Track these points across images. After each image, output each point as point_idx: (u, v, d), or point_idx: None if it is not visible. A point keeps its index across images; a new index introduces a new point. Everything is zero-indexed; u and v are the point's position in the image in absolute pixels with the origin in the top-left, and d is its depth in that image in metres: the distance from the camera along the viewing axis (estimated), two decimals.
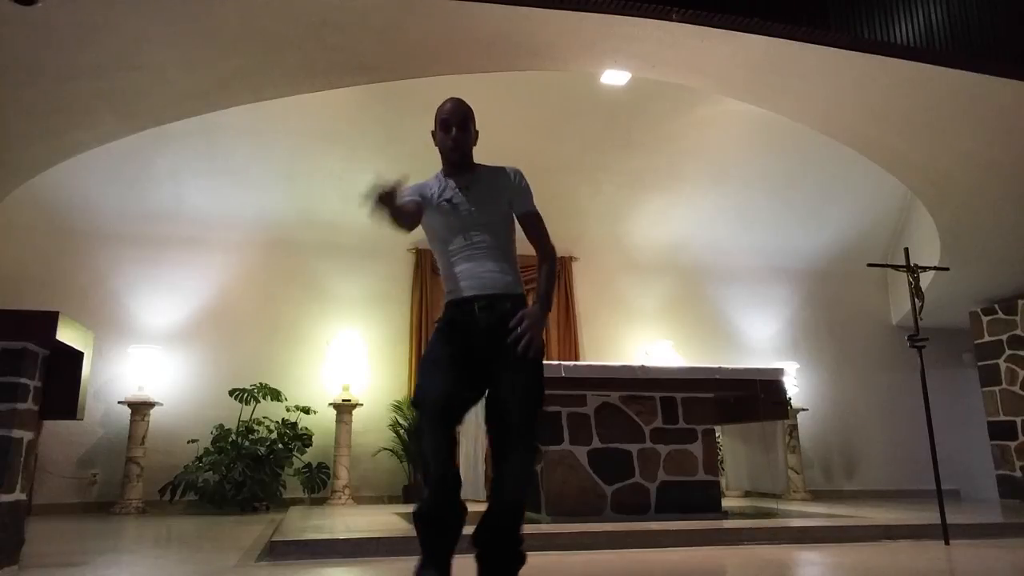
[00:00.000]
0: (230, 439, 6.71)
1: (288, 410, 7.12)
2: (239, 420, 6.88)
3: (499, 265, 2.42)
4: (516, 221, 2.53)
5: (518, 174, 2.53)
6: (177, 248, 7.48)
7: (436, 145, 2.50)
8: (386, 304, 7.96)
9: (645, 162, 8.01)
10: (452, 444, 2.23)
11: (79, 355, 3.28)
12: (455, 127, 2.44)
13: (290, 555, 3.64)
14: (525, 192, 2.52)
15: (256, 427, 6.85)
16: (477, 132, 2.52)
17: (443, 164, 2.52)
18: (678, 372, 5.38)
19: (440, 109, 2.47)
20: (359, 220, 7.85)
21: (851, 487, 8.65)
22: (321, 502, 7.00)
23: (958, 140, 6.25)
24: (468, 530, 2.30)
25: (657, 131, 7.71)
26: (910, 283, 4.77)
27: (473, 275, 2.38)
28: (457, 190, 2.44)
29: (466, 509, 2.25)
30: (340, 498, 6.92)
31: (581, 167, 7.91)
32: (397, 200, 2.12)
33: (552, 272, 2.50)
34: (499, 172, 2.52)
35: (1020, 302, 8.12)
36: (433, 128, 2.50)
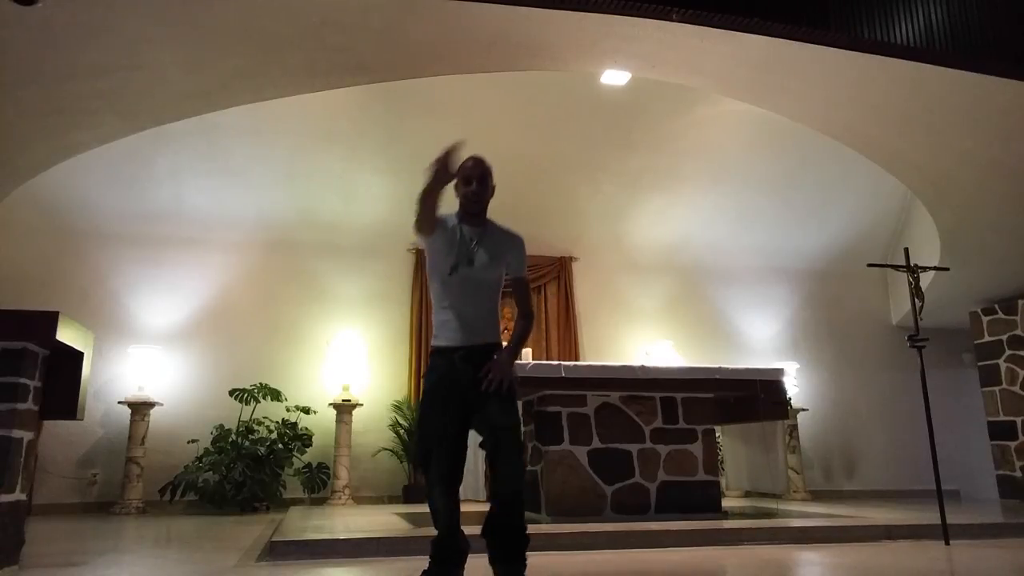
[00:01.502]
0: (230, 439, 6.71)
1: (288, 410, 7.11)
2: (239, 420, 6.88)
3: (486, 320, 2.74)
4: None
5: (522, 243, 2.83)
6: (177, 248, 7.48)
7: (456, 196, 2.75)
8: (386, 304, 7.95)
9: (645, 162, 8.01)
10: (457, 499, 2.66)
11: (79, 355, 3.28)
12: (475, 181, 2.71)
13: (290, 555, 3.64)
14: (524, 260, 2.84)
15: (256, 427, 6.85)
16: (494, 187, 2.78)
17: (460, 210, 2.77)
18: (678, 372, 5.38)
19: (463, 166, 2.70)
20: (359, 220, 7.88)
21: (851, 487, 8.65)
22: (321, 502, 7.00)
23: (958, 140, 6.25)
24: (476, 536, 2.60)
25: (657, 131, 7.70)
26: (910, 283, 4.77)
27: (463, 327, 2.68)
28: (471, 243, 2.71)
29: (468, 544, 2.68)
30: (340, 498, 6.92)
31: (581, 167, 7.90)
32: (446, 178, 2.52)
33: (527, 330, 2.82)
34: (508, 237, 2.81)
35: (1020, 302, 8.12)
36: (456, 182, 2.71)
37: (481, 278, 2.71)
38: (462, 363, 2.64)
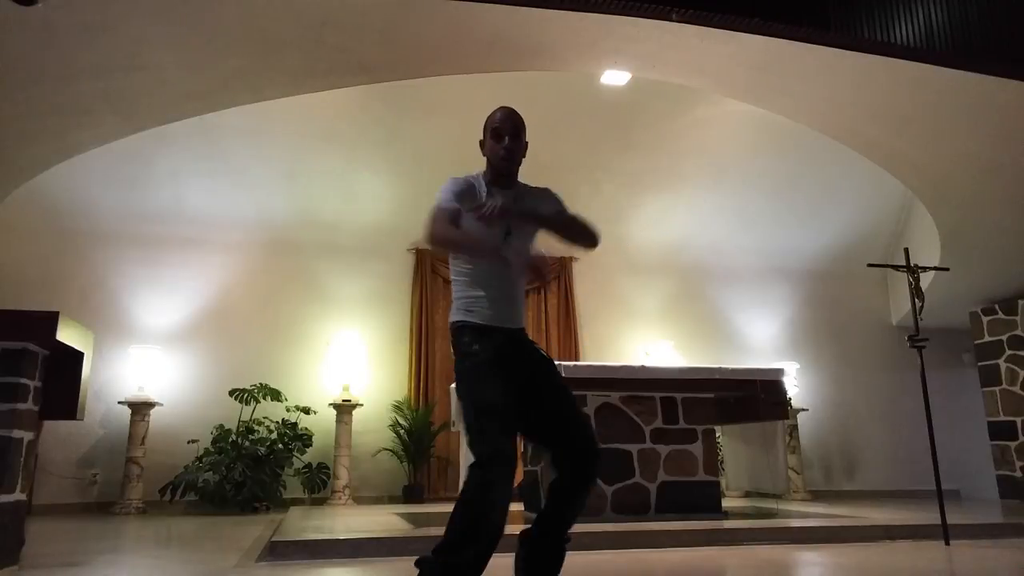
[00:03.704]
0: (230, 439, 6.71)
1: (288, 410, 7.11)
2: (239, 420, 6.88)
3: (520, 301, 2.42)
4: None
5: (554, 193, 2.53)
6: (177, 248, 7.48)
7: (484, 154, 2.42)
8: (386, 304, 7.95)
9: (645, 162, 8.01)
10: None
11: (79, 355, 3.28)
12: (508, 136, 2.37)
13: (290, 555, 3.64)
14: (562, 204, 2.54)
15: (256, 427, 6.85)
16: (527, 143, 2.45)
17: (489, 171, 2.43)
18: (678, 372, 5.37)
19: (491, 118, 2.40)
20: (359, 220, 7.89)
21: (851, 487, 8.65)
22: (321, 502, 7.00)
23: (958, 140, 6.25)
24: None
25: (657, 131, 7.70)
26: (910, 283, 4.76)
27: (501, 306, 2.33)
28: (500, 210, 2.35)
29: None
30: (340, 498, 6.92)
31: (581, 167, 7.90)
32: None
33: (583, 228, 2.47)
34: (539, 195, 2.48)
35: (1020, 302, 8.12)
36: (481, 137, 2.43)
37: (518, 251, 2.33)
38: (507, 344, 2.30)
